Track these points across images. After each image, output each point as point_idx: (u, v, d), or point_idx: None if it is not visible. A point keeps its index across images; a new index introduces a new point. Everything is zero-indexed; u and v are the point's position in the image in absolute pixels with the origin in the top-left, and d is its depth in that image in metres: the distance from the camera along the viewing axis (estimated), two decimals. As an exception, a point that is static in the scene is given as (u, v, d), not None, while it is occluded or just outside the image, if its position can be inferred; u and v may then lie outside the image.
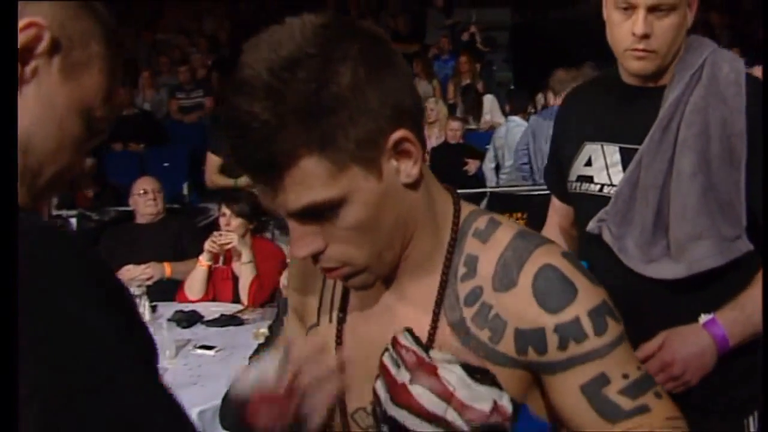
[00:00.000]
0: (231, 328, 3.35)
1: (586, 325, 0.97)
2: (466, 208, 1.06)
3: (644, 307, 1.65)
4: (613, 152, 1.75)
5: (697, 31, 1.76)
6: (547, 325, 0.97)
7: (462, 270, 1.02)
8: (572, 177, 1.83)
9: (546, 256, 1.00)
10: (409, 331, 0.97)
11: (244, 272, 3.78)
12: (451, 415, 0.90)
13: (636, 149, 1.69)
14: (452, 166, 6.69)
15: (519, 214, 5.25)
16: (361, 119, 0.87)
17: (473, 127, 8.19)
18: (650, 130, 1.67)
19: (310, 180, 0.87)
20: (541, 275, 0.98)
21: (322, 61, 0.86)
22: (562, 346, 0.97)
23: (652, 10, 1.61)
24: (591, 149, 1.79)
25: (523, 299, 0.98)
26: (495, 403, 0.91)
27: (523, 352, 0.98)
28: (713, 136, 1.62)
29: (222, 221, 3.89)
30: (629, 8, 1.63)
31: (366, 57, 0.88)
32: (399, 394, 0.93)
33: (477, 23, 11.60)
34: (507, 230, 1.03)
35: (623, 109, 1.76)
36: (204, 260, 3.84)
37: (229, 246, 3.80)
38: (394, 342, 0.96)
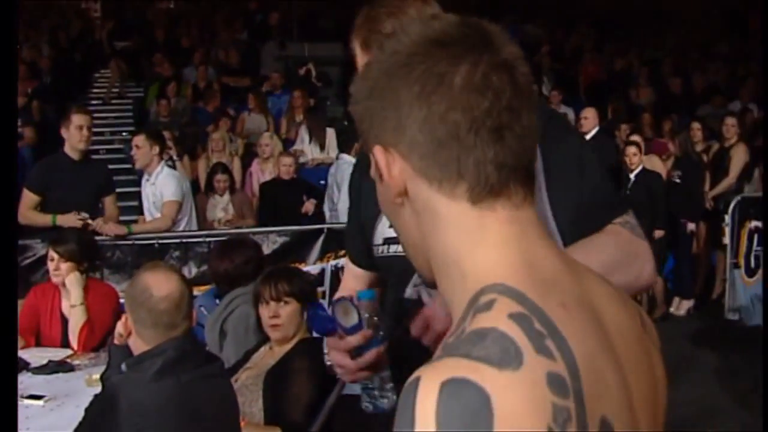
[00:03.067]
0: (61, 374, 3.18)
1: None
2: None
3: None
4: None
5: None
6: None
7: None
8: (377, 240, 1.77)
9: None
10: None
11: (74, 315, 3.60)
12: None
13: None
14: (287, 202, 6.67)
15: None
16: None
17: (303, 161, 8.23)
18: None
19: None
20: None
21: None
22: None
23: None
24: None
25: None
26: None
27: None
28: None
29: (50, 266, 3.68)
30: None
31: None
32: None
33: (309, 58, 11.75)
34: None
35: None
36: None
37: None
38: None
